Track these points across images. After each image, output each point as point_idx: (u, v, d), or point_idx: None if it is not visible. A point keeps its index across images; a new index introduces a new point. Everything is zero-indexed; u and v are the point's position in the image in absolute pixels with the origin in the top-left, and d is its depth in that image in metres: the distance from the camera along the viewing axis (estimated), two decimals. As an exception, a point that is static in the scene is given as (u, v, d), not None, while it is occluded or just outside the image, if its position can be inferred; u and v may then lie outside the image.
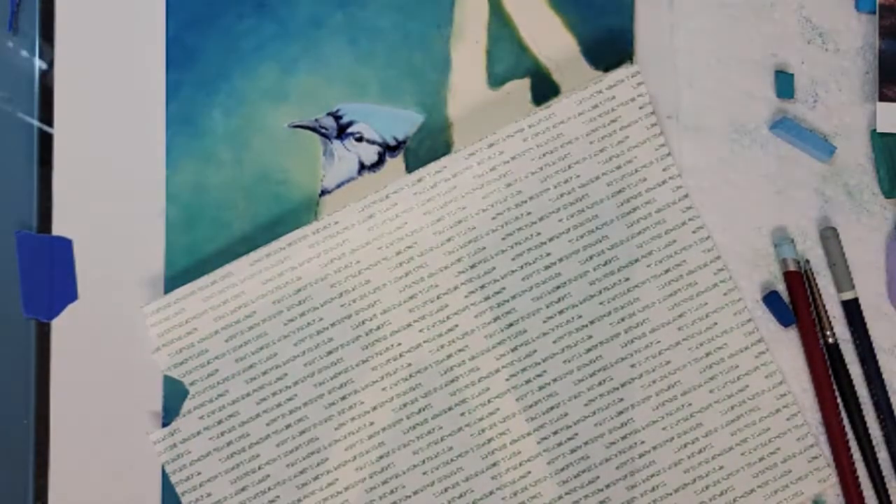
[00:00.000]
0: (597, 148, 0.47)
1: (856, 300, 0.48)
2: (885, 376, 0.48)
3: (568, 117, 0.47)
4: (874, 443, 0.48)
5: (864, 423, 0.48)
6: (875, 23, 0.49)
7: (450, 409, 0.46)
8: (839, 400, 0.48)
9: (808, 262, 0.48)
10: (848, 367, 0.48)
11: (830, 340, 0.48)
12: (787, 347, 0.48)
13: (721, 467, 0.47)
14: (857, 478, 0.47)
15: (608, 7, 0.48)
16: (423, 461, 0.46)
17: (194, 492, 0.45)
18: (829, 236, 0.48)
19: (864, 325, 0.48)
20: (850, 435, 0.48)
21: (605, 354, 0.47)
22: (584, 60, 0.48)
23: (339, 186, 0.47)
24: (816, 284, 0.48)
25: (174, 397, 0.46)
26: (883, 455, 0.48)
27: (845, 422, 0.48)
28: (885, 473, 0.48)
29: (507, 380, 0.46)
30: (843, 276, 0.48)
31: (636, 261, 0.47)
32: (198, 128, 0.47)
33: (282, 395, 0.46)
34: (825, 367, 0.47)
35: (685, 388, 0.47)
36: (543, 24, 0.48)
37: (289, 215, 0.47)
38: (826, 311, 0.48)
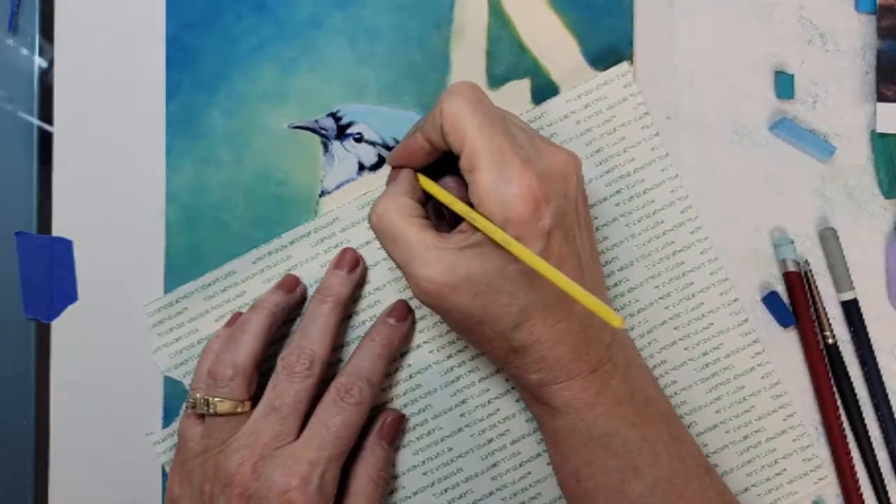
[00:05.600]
0: (593, 148, 0.47)
1: (855, 301, 0.48)
2: (884, 377, 0.48)
3: (560, 117, 0.47)
4: (873, 443, 0.48)
5: (864, 423, 0.48)
6: (874, 23, 0.49)
7: (450, 409, 0.46)
8: (839, 400, 0.48)
9: (807, 262, 0.48)
10: (847, 367, 0.48)
11: (830, 341, 0.48)
12: (786, 348, 0.48)
13: (716, 466, 0.47)
14: (857, 478, 0.47)
15: (608, 7, 0.48)
16: (424, 461, 0.46)
17: (194, 492, 0.46)
18: (829, 236, 0.48)
19: (863, 325, 0.48)
20: (850, 436, 0.48)
21: (604, 355, 0.47)
22: (584, 61, 0.48)
23: (338, 187, 0.47)
24: (816, 285, 0.48)
25: (174, 397, 0.46)
26: (882, 455, 0.48)
27: (845, 422, 0.48)
28: (884, 474, 0.48)
29: (507, 380, 0.47)
30: (842, 277, 0.48)
31: (635, 261, 0.47)
32: (197, 128, 0.47)
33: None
34: (825, 367, 0.47)
35: (681, 387, 0.47)
36: (543, 25, 0.48)
37: (288, 216, 0.47)
38: (825, 312, 0.48)
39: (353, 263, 0.45)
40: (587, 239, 0.41)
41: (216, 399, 0.41)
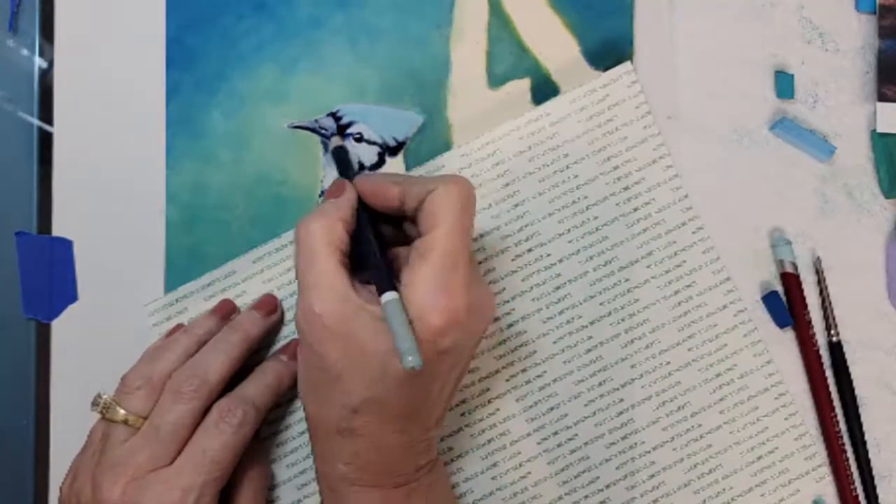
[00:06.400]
0: (595, 148, 0.47)
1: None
2: (885, 377, 0.48)
3: (563, 117, 0.47)
4: (868, 443, 0.48)
5: (860, 422, 0.48)
6: (875, 23, 0.49)
7: (449, 409, 0.46)
8: (836, 401, 0.48)
9: (819, 259, 0.48)
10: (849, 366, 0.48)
11: (834, 339, 0.48)
12: (787, 348, 0.48)
13: (720, 466, 0.47)
14: (853, 478, 0.47)
15: (608, 7, 0.48)
16: (424, 462, 0.46)
17: (194, 492, 0.45)
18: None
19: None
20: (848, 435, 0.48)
21: (605, 355, 0.47)
22: (584, 61, 0.48)
23: (338, 187, 0.47)
24: (825, 280, 0.48)
25: (174, 397, 0.46)
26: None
27: (843, 423, 0.48)
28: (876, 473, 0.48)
29: (507, 380, 0.46)
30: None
31: (636, 261, 0.47)
32: (197, 128, 0.47)
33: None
34: (821, 369, 0.47)
35: (685, 388, 0.47)
36: (543, 25, 0.48)
37: (288, 216, 0.47)
38: (832, 310, 0.48)
39: (270, 309, 0.45)
40: (457, 380, 0.40)
41: (115, 405, 0.40)
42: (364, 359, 0.37)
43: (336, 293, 0.37)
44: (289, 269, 0.46)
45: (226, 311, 0.45)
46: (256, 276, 0.46)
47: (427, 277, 0.37)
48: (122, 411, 0.40)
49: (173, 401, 0.40)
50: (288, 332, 0.46)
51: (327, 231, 0.38)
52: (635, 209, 0.47)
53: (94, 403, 0.41)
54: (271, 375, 0.43)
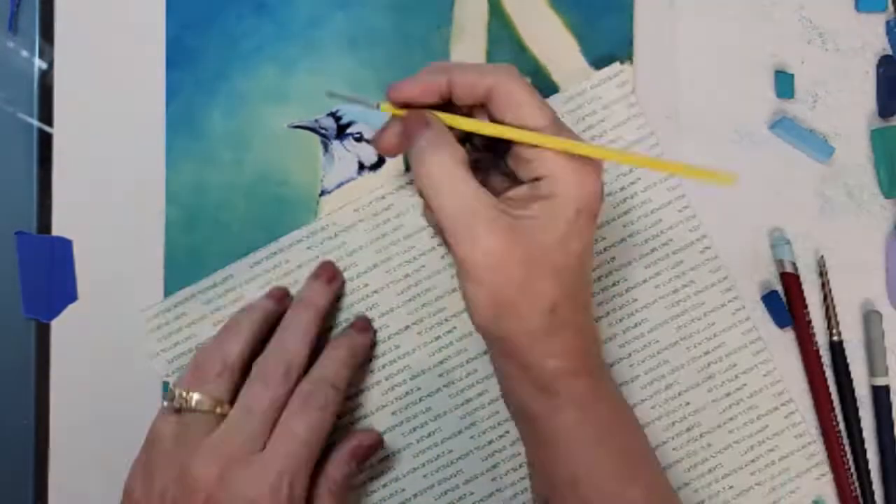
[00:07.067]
0: (593, 149, 0.47)
1: (887, 388, 0.48)
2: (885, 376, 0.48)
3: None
4: (867, 443, 0.48)
5: (860, 423, 0.48)
6: (874, 23, 0.49)
7: (450, 410, 0.46)
8: (836, 402, 0.48)
9: (822, 258, 0.48)
10: (850, 366, 0.48)
11: (836, 339, 0.48)
12: (788, 347, 0.48)
13: (720, 466, 0.47)
14: (852, 479, 0.47)
15: (608, 7, 0.48)
16: (424, 464, 0.46)
17: (194, 492, 0.45)
18: (874, 319, 0.48)
19: (890, 415, 0.48)
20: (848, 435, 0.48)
21: (604, 354, 0.47)
22: (585, 60, 0.48)
23: (339, 187, 0.47)
24: (828, 280, 0.48)
25: (174, 397, 0.46)
26: (875, 459, 0.48)
27: (843, 423, 0.48)
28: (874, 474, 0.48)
29: (507, 380, 0.47)
30: (878, 361, 0.48)
31: (633, 261, 0.47)
32: (198, 128, 0.47)
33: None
34: (821, 368, 0.47)
35: (683, 387, 0.47)
36: (543, 24, 0.48)
37: (289, 216, 0.47)
38: (835, 308, 0.48)
39: (331, 275, 0.45)
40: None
41: (196, 395, 0.40)
42: (543, 262, 0.37)
43: (490, 215, 0.37)
44: (286, 273, 0.46)
45: (279, 296, 0.45)
46: (254, 280, 0.46)
47: (565, 160, 0.37)
48: (206, 400, 0.40)
49: (264, 387, 0.40)
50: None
51: (447, 157, 0.38)
52: (632, 209, 0.47)
53: (169, 398, 0.41)
54: (346, 352, 0.44)
